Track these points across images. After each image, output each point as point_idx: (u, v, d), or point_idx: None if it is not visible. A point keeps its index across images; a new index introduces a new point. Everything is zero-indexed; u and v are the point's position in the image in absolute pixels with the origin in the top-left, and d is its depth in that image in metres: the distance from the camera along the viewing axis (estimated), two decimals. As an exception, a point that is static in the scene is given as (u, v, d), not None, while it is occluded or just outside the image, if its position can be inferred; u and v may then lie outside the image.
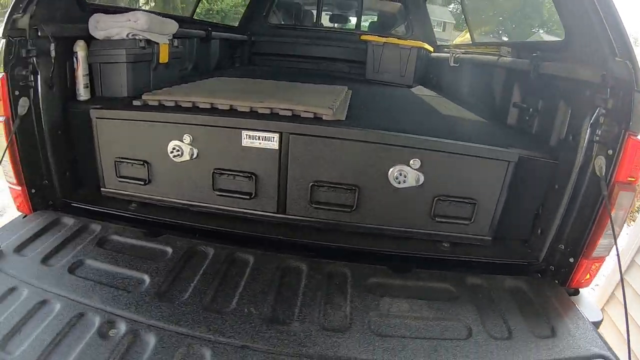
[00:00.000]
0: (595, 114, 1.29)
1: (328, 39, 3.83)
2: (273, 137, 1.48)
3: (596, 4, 1.27)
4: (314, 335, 1.08)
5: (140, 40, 1.82)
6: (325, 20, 4.35)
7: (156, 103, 1.68)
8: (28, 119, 1.54)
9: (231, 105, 1.63)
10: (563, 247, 1.43)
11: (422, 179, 1.47)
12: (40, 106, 1.55)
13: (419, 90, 3.00)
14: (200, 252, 1.43)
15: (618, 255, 1.29)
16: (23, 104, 1.50)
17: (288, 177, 1.53)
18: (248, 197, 1.57)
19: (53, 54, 1.54)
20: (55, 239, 1.43)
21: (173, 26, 2.05)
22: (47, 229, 1.49)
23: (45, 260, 1.32)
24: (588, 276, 1.44)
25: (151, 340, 1.05)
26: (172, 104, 1.67)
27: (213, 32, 2.94)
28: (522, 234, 1.58)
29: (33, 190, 1.59)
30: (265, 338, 1.07)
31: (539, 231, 1.50)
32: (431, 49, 3.19)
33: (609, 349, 1.14)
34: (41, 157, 1.60)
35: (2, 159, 1.46)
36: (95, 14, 1.75)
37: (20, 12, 1.43)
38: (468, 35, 3.01)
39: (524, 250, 1.55)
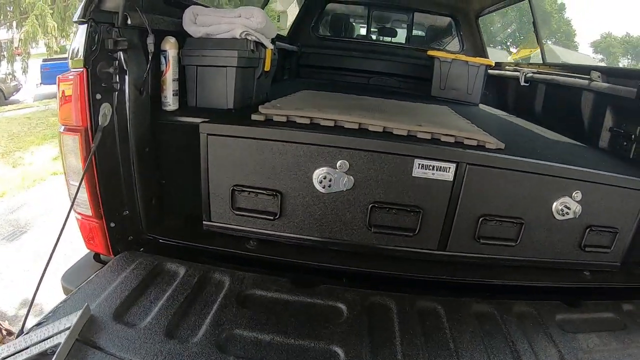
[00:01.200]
0: None
1: (378, 52, 3.51)
2: (449, 168, 1.20)
3: None
4: None
5: (250, 42, 1.40)
6: (373, 34, 4.03)
7: (284, 119, 1.28)
8: (109, 131, 1.12)
9: (384, 127, 1.28)
10: None
11: (580, 210, 1.28)
12: (128, 115, 1.13)
13: (489, 110, 2.71)
14: (379, 305, 1.10)
15: None
16: (106, 112, 1.08)
17: (457, 211, 1.24)
18: (411, 234, 1.25)
19: (152, 48, 1.13)
20: (170, 297, 1.00)
21: (275, 30, 1.61)
22: (151, 282, 1.05)
23: (171, 332, 0.89)
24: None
25: None
26: (306, 120, 1.27)
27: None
28: (637, 257, 1.48)
29: (112, 224, 1.16)
30: None
31: None
32: (492, 64, 2.93)
33: None
34: (123, 182, 1.18)
35: (80, 183, 1.02)
36: (192, 6, 1.34)
37: None
38: (524, 52, 2.78)
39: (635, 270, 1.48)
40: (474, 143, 1.28)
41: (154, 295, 1.01)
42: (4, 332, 1.95)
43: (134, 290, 1.00)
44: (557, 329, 1.13)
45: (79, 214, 1.16)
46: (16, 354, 0.79)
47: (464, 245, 1.29)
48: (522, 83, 2.52)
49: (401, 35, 4.06)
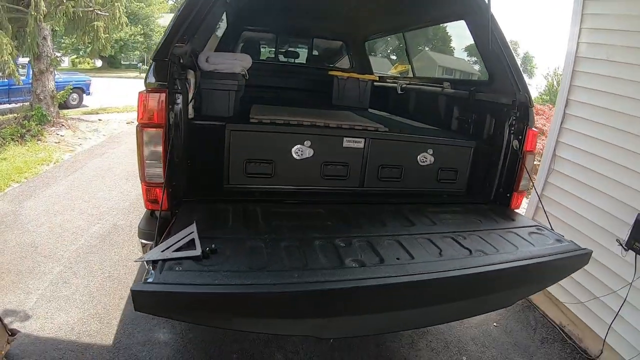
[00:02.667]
0: (510, 119, 2.30)
1: (285, 71, 4.35)
2: (361, 141, 2.18)
3: (509, 66, 2.33)
4: (434, 235, 1.79)
5: (241, 76, 2.16)
6: (280, 55, 4.80)
7: (268, 121, 2.06)
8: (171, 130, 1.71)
9: (324, 123, 2.16)
10: (502, 190, 2.37)
11: (432, 159, 2.35)
12: (181, 120, 1.74)
13: (377, 112, 3.67)
14: (339, 209, 2.01)
15: (535, 187, 2.40)
16: (172, 116, 1.68)
17: (367, 164, 2.18)
18: (344, 178, 2.15)
19: (195, 78, 1.76)
20: (234, 216, 1.71)
21: None
22: (217, 212, 1.73)
23: (247, 225, 1.62)
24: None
25: (360, 243, 1.59)
26: (281, 121, 2.08)
27: None
28: (476, 186, 2.49)
29: (170, 190, 1.75)
30: (410, 229, 1.80)
31: (487, 184, 2.43)
32: (377, 79, 3.98)
33: (540, 223, 2.13)
34: (176, 162, 1.77)
35: (165, 163, 1.61)
36: (205, 51, 2.00)
37: (186, 43, 1.65)
38: (400, 67, 3.94)
39: (480, 195, 2.46)
40: (372, 129, 2.25)
41: (224, 217, 1.68)
42: (8, 332, 2.20)
43: (210, 216, 1.66)
44: (429, 212, 2.06)
45: (147, 182, 1.70)
46: (167, 249, 1.36)
47: (372, 183, 2.22)
48: (399, 92, 3.62)
49: (303, 57, 5.00)
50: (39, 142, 7.38)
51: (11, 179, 5.41)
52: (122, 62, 29.68)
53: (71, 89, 10.11)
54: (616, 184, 2.64)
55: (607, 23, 2.82)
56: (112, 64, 28.90)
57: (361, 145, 2.14)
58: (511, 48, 2.44)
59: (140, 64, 26.48)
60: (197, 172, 1.95)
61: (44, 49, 7.99)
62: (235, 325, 1.31)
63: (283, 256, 1.37)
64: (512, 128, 2.30)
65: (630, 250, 2.49)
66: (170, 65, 1.63)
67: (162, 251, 1.34)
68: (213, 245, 1.36)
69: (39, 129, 7.71)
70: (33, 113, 7.96)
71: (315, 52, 4.95)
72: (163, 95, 1.60)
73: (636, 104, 2.54)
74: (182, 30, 1.65)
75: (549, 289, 3.12)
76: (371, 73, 4.36)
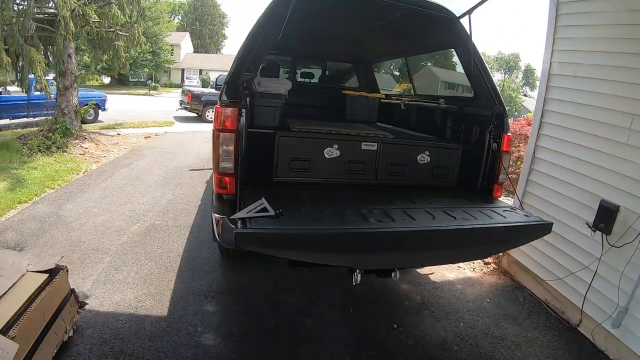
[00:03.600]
0: (490, 126, 3.01)
1: (303, 90, 5.04)
2: (374, 144, 2.84)
3: (488, 85, 3.03)
4: (430, 209, 2.43)
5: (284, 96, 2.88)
6: (297, 75, 5.56)
7: (306, 130, 2.77)
8: (240, 134, 2.39)
9: (347, 131, 2.88)
10: (485, 182, 3.04)
11: (429, 158, 3.01)
12: (244, 127, 2.41)
13: (384, 125, 4.36)
14: (360, 193, 2.62)
15: (509, 179, 3.05)
16: (240, 124, 2.36)
17: (379, 162, 2.87)
18: (362, 172, 2.83)
19: (250, 97, 2.46)
20: (290, 196, 2.37)
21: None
22: (275, 194, 2.35)
23: (299, 202, 2.30)
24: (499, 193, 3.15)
25: (378, 211, 2.25)
26: (315, 130, 2.78)
27: None
28: (464, 180, 3.13)
29: (237, 179, 2.39)
30: (412, 205, 2.45)
31: (473, 178, 3.08)
32: (384, 97, 4.72)
33: (513, 205, 2.78)
34: (241, 158, 2.43)
35: (236, 158, 2.28)
36: (257, 77, 2.69)
37: (250, 72, 2.35)
38: (403, 86, 4.69)
39: (468, 186, 3.10)
40: (382, 136, 2.94)
41: (279, 197, 2.33)
42: (79, 303, 2.68)
43: (269, 197, 2.28)
44: (427, 196, 2.73)
45: (220, 173, 2.35)
46: (249, 212, 2.01)
47: (384, 176, 2.90)
48: (402, 107, 4.34)
49: (317, 76, 5.78)
50: (65, 153, 8.01)
51: (45, 185, 5.99)
52: (131, 79, 31.01)
53: (94, 105, 10.93)
54: (584, 177, 3.30)
55: (573, 45, 3.54)
56: (120, 81, 30.19)
57: (375, 148, 2.84)
58: (489, 71, 3.17)
59: (149, 81, 27.79)
60: (253, 167, 2.61)
61: (69, 66, 8.76)
62: (299, 256, 1.95)
63: (328, 217, 2.04)
64: (492, 134, 2.99)
65: (597, 231, 3.11)
66: (240, 87, 2.31)
67: (247, 213, 1.99)
68: (280, 210, 2.02)
69: (64, 141, 8.36)
70: (58, 126, 8.63)
71: (327, 73, 5.72)
72: (236, 109, 2.29)
73: (595, 110, 3.23)
74: (249, 61, 2.36)
75: (535, 271, 3.76)
76: (377, 91, 5.11)
